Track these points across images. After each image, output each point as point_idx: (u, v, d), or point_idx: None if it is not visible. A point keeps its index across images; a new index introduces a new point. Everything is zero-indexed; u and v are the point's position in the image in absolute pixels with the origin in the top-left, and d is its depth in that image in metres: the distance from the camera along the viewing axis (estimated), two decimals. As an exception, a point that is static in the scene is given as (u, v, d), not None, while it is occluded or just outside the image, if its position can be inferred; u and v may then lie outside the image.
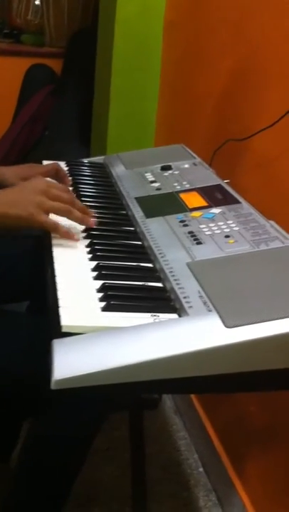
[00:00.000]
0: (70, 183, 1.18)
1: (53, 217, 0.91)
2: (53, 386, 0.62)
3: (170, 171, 1.26)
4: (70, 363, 0.63)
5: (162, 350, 0.64)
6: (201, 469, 1.45)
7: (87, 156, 2.21)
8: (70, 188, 1.19)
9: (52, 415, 0.93)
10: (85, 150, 2.23)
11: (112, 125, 1.97)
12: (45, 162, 1.38)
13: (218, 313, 0.70)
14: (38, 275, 1.14)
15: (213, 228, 0.94)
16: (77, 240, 0.90)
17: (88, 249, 0.90)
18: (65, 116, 2.44)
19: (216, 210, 1.01)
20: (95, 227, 0.97)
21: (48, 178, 1.12)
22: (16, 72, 2.59)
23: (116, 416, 1.49)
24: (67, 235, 0.90)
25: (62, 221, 0.92)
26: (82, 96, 2.39)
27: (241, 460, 1.35)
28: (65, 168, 1.36)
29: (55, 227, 0.89)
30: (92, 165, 1.41)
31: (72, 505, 1.04)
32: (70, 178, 1.28)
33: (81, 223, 0.94)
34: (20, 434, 1.30)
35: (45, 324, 0.93)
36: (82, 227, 0.95)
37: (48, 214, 0.90)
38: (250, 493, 1.29)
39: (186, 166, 1.29)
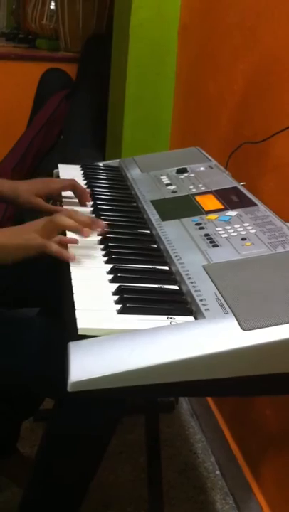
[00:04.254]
0: (90, 200, 1.16)
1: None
2: (69, 388, 0.63)
3: (186, 174, 1.26)
4: (86, 365, 0.63)
5: (178, 353, 0.64)
6: (217, 472, 1.44)
7: (102, 160, 2.22)
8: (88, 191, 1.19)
9: (67, 416, 0.94)
10: (99, 154, 2.24)
11: (127, 129, 1.98)
12: (60, 166, 1.39)
13: (234, 315, 0.69)
14: (50, 280, 1.15)
15: (229, 231, 0.94)
16: (73, 260, 0.86)
17: (104, 252, 0.90)
18: (80, 120, 2.45)
19: (232, 213, 1.01)
20: (110, 230, 0.97)
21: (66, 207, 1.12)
22: (31, 77, 2.60)
23: (129, 420, 1.49)
24: (60, 252, 0.87)
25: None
26: (97, 100, 2.40)
27: (258, 463, 1.34)
28: (81, 172, 1.37)
29: (46, 245, 0.89)
30: (107, 168, 1.41)
31: (87, 509, 1.04)
32: (85, 181, 1.28)
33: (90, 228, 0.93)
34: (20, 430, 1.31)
35: (57, 326, 0.94)
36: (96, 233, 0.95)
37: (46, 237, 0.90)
38: (267, 496, 1.28)
39: (202, 168, 1.29)
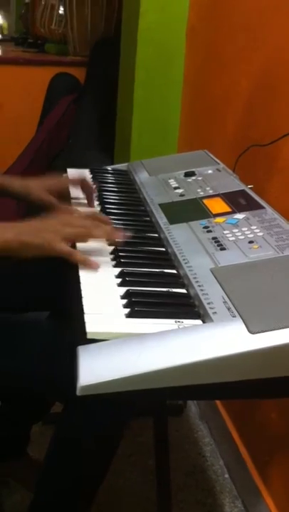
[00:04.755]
0: (96, 194, 1.17)
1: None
2: (78, 392, 0.63)
3: (193, 177, 1.26)
4: (94, 369, 0.63)
5: (186, 357, 0.65)
6: (226, 476, 1.44)
7: (110, 162, 2.23)
8: (95, 195, 1.20)
9: (75, 420, 0.94)
10: (107, 157, 2.25)
11: (135, 132, 1.98)
12: (69, 170, 1.40)
13: (242, 319, 0.70)
14: (56, 282, 1.16)
15: (236, 234, 0.94)
16: (96, 266, 0.86)
17: (112, 255, 0.91)
18: (88, 123, 2.46)
19: (239, 216, 1.01)
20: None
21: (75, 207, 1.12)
22: (40, 82, 2.62)
23: (138, 422, 1.50)
24: (85, 261, 0.86)
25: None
26: (105, 103, 2.41)
27: (267, 467, 1.34)
28: (89, 176, 1.37)
29: (71, 253, 0.87)
30: (115, 172, 1.42)
31: (97, 508, 1.04)
32: (94, 185, 1.29)
33: (109, 237, 0.92)
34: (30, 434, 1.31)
35: (65, 329, 0.95)
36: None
37: (67, 242, 0.89)
38: (276, 500, 1.28)
39: (210, 171, 1.29)
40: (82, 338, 0.68)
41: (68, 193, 1.20)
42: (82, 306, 0.74)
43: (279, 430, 1.30)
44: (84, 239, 0.90)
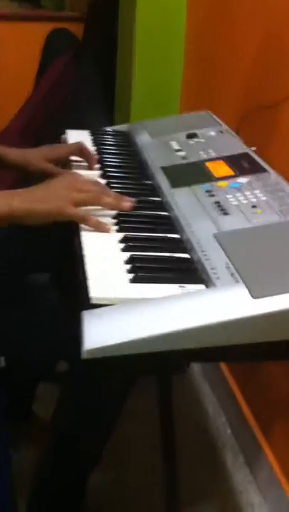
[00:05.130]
0: (96, 163, 1.16)
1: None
2: (83, 356, 0.64)
3: (196, 139, 1.25)
4: (99, 333, 0.65)
5: (190, 321, 0.66)
6: (228, 431, 1.48)
7: (111, 123, 2.20)
8: (96, 157, 1.20)
9: (82, 379, 0.96)
10: (107, 116, 2.22)
11: (136, 91, 1.95)
12: (69, 133, 1.38)
13: (245, 284, 0.70)
14: (62, 246, 1.16)
15: (239, 198, 0.94)
16: (109, 230, 0.87)
17: (115, 220, 0.91)
18: (88, 81, 2.42)
19: (242, 180, 1.01)
20: None
21: (76, 171, 1.11)
22: (36, 38, 2.55)
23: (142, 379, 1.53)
24: (98, 226, 0.87)
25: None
26: (105, 61, 2.36)
27: (268, 423, 1.37)
28: (89, 138, 1.36)
29: (85, 218, 0.87)
30: (116, 133, 1.40)
31: (104, 465, 1.08)
32: (95, 147, 1.28)
33: (116, 208, 0.91)
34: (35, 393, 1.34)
35: (69, 292, 0.96)
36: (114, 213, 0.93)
37: (76, 207, 0.88)
38: (277, 454, 1.32)
39: (213, 133, 1.28)
40: (86, 303, 0.69)
41: (67, 160, 1.19)
42: (85, 270, 0.75)
43: (280, 387, 1.33)
44: (93, 204, 0.90)
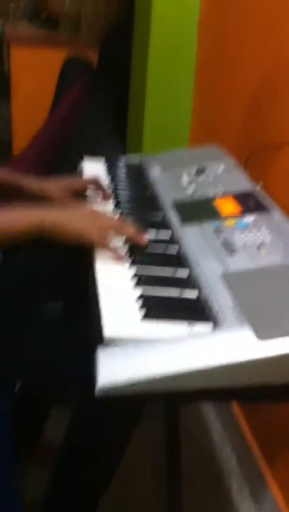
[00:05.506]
0: (111, 196, 1.21)
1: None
2: (96, 393, 0.68)
3: (205, 175, 1.29)
4: (112, 372, 0.68)
5: (197, 363, 0.69)
6: (234, 461, 1.50)
7: (123, 150, 2.26)
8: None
9: (92, 405, 0.99)
10: (120, 144, 2.27)
11: (148, 120, 2.00)
12: (85, 161, 1.43)
13: (250, 326, 0.73)
14: (76, 277, 1.20)
15: (245, 238, 0.97)
16: (123, 258, 0.93)
17: (128, 253, 0.95)
18: (100, 109, 2.47)
19: (248, 219, 1.04)
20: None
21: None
22: (52, 63, 2.62)
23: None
24: (115, 251, 0.93)
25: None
26: (118, 88, 2.41)
27: (273, 453, 1.39)
28: (104, 168, 1.41)
29: (104, 243, 0.94)
30: (129, 166, 1.45)
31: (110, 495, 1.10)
32: (109, 179, 1.33)
33: (135, 239, 0.97)
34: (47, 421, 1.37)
35: (81, 322, 0.99)
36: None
37: (100, 233, 0.95)
38: (281, 486, 1.33)
39: (221, 169, 1.31)
40: (100, 341, 0.73)
41: (84, 191, 1.24)
42: (99, 308, 0.78)
43: (285, 418, 1.34)
44: (116, 232, 0.96)
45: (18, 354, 1.00)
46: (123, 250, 0.96)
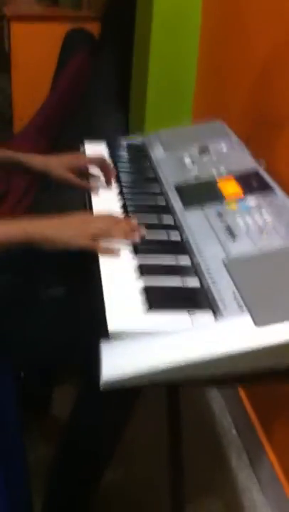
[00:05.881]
0: (115, 174, 1.22)
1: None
2: (101, 386, 0.71)
3: (208, 154, 1.29)
4: (116, 365, 0.71)
5: (199, 353, 0.72)
6: (233, 431, 1.55)
7: (125, 122, 2.25)
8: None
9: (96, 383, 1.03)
10: (122, 116, 2.26)
11: (151, 92, 1.99)
12: (86, 144, 1.44)
13: (249, 312, 0.76)
14: (79, 261, 1.22)
15: (247, 221, 1.00)
16: (118, 253, 0.94)
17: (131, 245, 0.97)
18: (103, 79, 2.45)
19: (251, 201, 1.06)
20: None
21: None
22: (54, 38, 2.59)
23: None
24: (108, 251, 0.94)
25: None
26: (121, 59, 2.39)
27: (271, 424, 1.44)
28: (106, 150, 1.41)
29: (95, 246, 0.95)
30: (131, 147, 1.45)
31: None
32: (111, 162, 1.33)
33: (126, 238, 0.97)
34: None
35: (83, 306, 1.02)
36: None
37: (90, 239, 0.95)
38: (279, 456, 1.38)
39: (224, 147, 1.32)
40: (104, 334, 0.75)
41: (87, 170, 1.25)
42: (103, 300, 0.81)
43: (284, 391, 1.38)
44: (104, 238, 0.96)
45: (21, 337, 1.03)
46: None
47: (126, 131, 2.21)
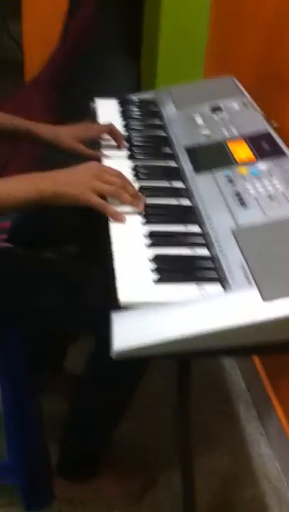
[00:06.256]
0: (125, 145, 1.21)
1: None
2: (113, 356, 0.73)
3: (219, 113, 1.28)
4: (127, 335, 0.73)
5: (206, 325, 0.74)
6: (243, 385, 1.60)
7: (136, 71, 2.21)
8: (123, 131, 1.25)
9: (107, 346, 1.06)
10: (133, 69, 2.21)
11: (163, 46, 1.95)
12: (98, 101, 1.42)
13: (257, 286, 0.77)
14: (86, 223, 1.22)
15: (258, 187, 0.99)
16: (124, 219, 0.94)
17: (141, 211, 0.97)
18: (113, 27, 2.39)
19: (262, 166, 1.06)
20: (147, 185, 1.04)
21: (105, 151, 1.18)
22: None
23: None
24: (115, 215, 0.94)
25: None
26: (130, 5, 2.32)
27: (279, 381, 1.48)
28: (117, 109, 1.40)
29: (103, 207, 0.94)
30: (143, 104, 1.43)
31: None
32: (123, 121, 1.32)
33: (131, 205, 0.97)
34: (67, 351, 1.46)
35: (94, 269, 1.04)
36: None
37: (97, 195, 0.94)
38: (286, 410, 1.43)
39: (236, 106, 1.30)
40: (115, 304, 0.77)
41: (98, 140, 1.24)
42: (114, 270, 0.83)
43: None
44: (111, 196, 0.97)
45: (33, 297, 1.05)
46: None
47: (137, 85, 2.17)
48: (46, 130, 1.20)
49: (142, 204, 0.98)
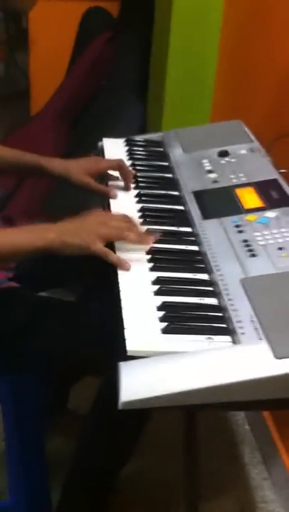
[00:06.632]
0: (133, 181, 1.23)
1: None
2: (119, 407, 0.73)
3: (227, 158, 1.29)
4: (134, 387, 0.73)
5: (215, 378, 0.73)
6: (247, 427, 1.58)
7: (144, 112, 2.23)
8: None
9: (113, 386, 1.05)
10: (142, 107, 2.24)
11: (170, 87, 1.97)
12: (105, 141, 1.44)
13: (268, 342, 0.77)
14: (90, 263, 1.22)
15: (267, 237, 1.00)
16: (129, 267, 0.94)
17: (149, 256, 0.98)
18: (123, 66, 2.42)
19: (270, 214, 1.06)
20: (155, 229, 1.04)
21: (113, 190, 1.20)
22: (71, 17, 2.55)
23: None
24: (119, 263, 0.94)
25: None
26: (141, 45, 2.35)
27: (284, 422, 1.46)
28: (124, 148, 1.42)
29: (107, 254, 0.95)
30: (150, 144, 1.45)
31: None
32: (130, 161, 1.34)
33: (140, 242, 0.98)
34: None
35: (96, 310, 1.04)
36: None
37: (103, 242, 0.95)
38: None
39: (244, 152, 1.32)
40: (123, 354, 0.77)
41: (107, 174, 1.25)
42: (122, 318, 0.83)
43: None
44: (118, 239, 0.98)
45: (48, 342, 1.04)
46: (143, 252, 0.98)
47: (144, 125, 2.19)
48: (56, 164, 1.22)
49: (150, 238, 0.99)
